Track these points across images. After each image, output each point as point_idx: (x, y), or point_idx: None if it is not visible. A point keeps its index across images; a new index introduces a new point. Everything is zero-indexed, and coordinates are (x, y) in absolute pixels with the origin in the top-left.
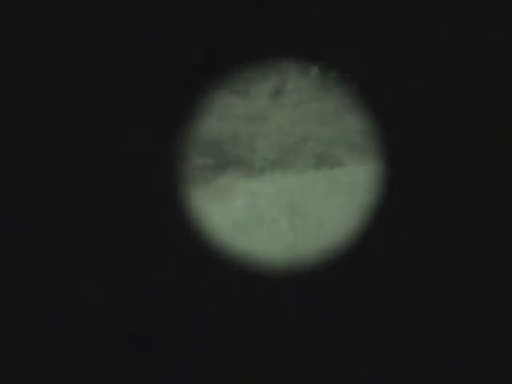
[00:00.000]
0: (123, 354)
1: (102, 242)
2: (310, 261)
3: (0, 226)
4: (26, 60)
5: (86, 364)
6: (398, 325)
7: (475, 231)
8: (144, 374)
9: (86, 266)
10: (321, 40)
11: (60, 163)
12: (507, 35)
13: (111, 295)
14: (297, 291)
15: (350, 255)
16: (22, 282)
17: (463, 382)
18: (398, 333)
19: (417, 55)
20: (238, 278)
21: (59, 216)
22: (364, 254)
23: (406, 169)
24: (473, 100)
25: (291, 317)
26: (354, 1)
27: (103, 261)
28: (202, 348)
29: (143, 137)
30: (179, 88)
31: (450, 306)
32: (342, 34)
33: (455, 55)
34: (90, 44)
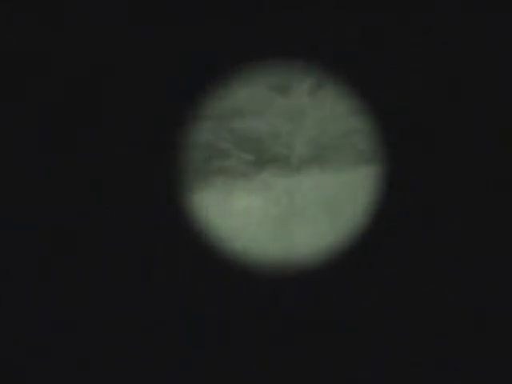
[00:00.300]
0: (123, 354)
1: (102, 242)
2: (309, 261)
3: (0, 226)
4: (26, 60)
5: (86, 364)
6: (398, 325)
7: (475, 231)
8: (144, 373)
9: (86, 265)
10: (321, 40)
11: (60, 163)
12: (507, 35)
13: (111, 295)
14: (297, 291)
15: (349, 255)
16: (22, 282)
17: (463, 381)
18: (398, 333)
19: (417, 55)
20: (238, 277)
21: (59, 216)
22: (364, 253)
23: (406, 169)
24: (473, 100)
25: (291, 317)
26: (353, 1)
27: (103, 261)
28: (201, 348)
29: (143, 137)
30: (179, 88)
31: (450, 306)
32: (342, 34)
33: (455, 55)
34: (89, 44)
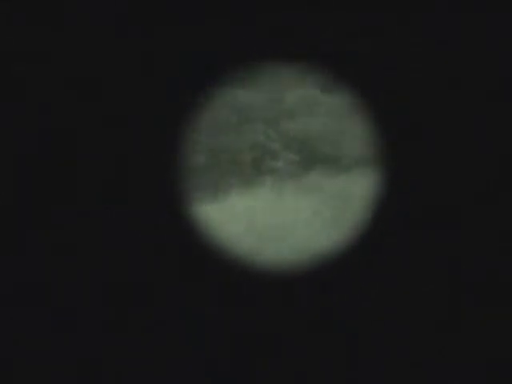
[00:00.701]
0: (123, 354)
1: (102, 242)
2: (310, 261)
3: (0, 226)
4: (26, 60)
5: (86, 364)
6: (398, 325)
7: (475, 231)
8: (144, 373)
9: (86, 265)
10: (321, 40)
11: (60, 163)
12: (507, 35)
13: (111, 295)
14: (297, 291)
15: (350, 255)
16: (22, 282)
17: (463, 381)
18: (398, 333)
19: (417, 55)
20: (239, 278)
21: (59, 216)
22: (364, 253)
23: (406, 169)
24: (473, 100)
25: (292, 317)
26: (354, 1)
27: (103, 261)
28: (202, 348)
29: (144, 137)
30: (179, 88)
31: (450, 306)
32: (342, 34)
33: (455, 55)
34: (89, 44)
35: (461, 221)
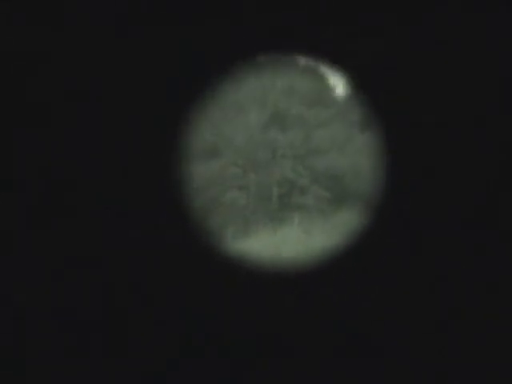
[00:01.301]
0: (123, 354)
1: (102, 242)
2: (310, 261)
3: (0, 226)
4: (26, 60)
5: (86, 364)
6: (398, 325)
7: (475, 231)
8: (144, 373)
9: (86, 265)
10: (321, 40)
11: (60, 163)
12: (507, 35)
13: (111, 295)
14: (297, 291)
15: (350, 255)
16: (22, 282)
17: (463, 381)
18: (398, 333)
19: (417, 55)
20: (239, 278)
21: (59, 216)
22: (364, 254)
23: (406, 169)
24: (473, 100)
25: (291, 317)
26: (353, 1)
27: (103, 261)
28: (202, 348)
29: (143, 137)
30: (179, 88)
31: (450, 306)
32: (342, 34)
33: (455, 55)
34: (89, 44)
35: (461, 220)
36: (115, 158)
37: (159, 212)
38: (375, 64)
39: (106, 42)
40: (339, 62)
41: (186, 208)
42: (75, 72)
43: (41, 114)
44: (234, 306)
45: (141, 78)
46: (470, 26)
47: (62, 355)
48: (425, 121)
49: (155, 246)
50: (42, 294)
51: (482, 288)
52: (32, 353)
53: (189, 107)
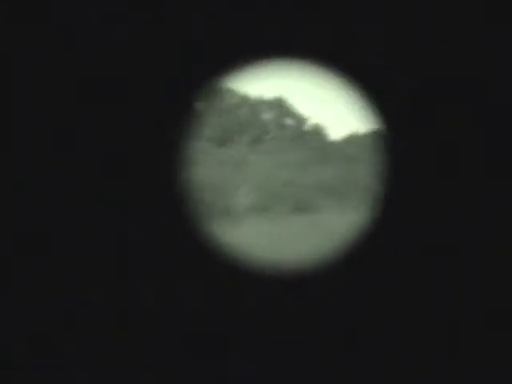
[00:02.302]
0: (123, 354)
1: (102, 242)
2: (310, 261)
3: (0, 226)
4: (26, 60)
5: (86, 364)
6: (398, 325)
7: (475, 231)
8: (144, 373)
9: (86, 266)
10: (321, 40)
11: (59, 163)
12: (507, 35)
13: (111, 295)
14: (297, 291)
15: (350, 255)
16: (23, 282)
17: (463, 381)
18: (398, 333)
19: (417, 55)
20: (239, 278)
21: (59, 216)
22: (364, 254)
23: (406, 169)
24: (473, 100)
25: (291, 317)
26: (353, 1)
27: (104, 261)
28: (202, 348)
29: (143, 136)
30: (179, 88)
31: (450, 306)
32: (342, 34)
33: (455, 55)
34: (89, 44)
35: (461, 220)
36: (115, 158)
37: (159, 212)
38: (375, 64)
39: (106, 42)
40: (339, 62)
41: (185, 208)
42: (75, 72)
43: (40, 114)
44: (234, 306)
45: (141, 78)
46: (470, 25)
47: (62, 355)
48: (425, 121)
49: (155, 246)
50: (42, 294)
51: (483, 288)
52: (32, 352)
53: (189, 107)
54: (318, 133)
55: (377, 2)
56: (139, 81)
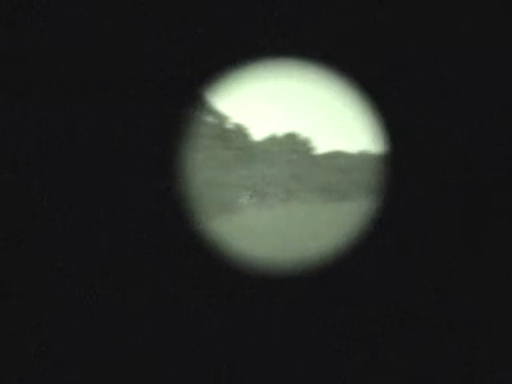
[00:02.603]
0: (123, 354)
1: (102, 243)
2: (310, 261)
3: (0, 227)
4: (26, 60)
5: (85, 363)
6: (399, 325)
7: (475, 231)
8: (144, 373)
9: (86, 266)
10: (321, 40)
11: (60, 163)
12: (507, 35)
13: (111, 295)
14: (297, 291)
15: (350, 256)
16: (23, 282)
17: (463, 381)
18: (398, 332)
19: (417, 55)
20: (239, 278)
21: (59, 216)
22: (364, 254)
23: (406, 169)
24: (473, 99)
25: (291, 317)
26: (353, 1)
27: (103, 261)
28: (202, 348)
29: (143, 137)
30: (179, 88)
31: (450, 306)
32: (342, 35)
33: (455, 56)
34: (89, 44)
35: (461, 220)
36: (115, 158)
37: (159, 212)
38: (375, 64)
39: (106, 42)
40: (339, 62)
41: (185, 208)
42: (75, 72)
43: (40, 114)
44: (234, 306)
45: (141, 78)
46: (470, 25)
47: (62, 356)
48: (425, 120)
49: (155, 247)
50: (42, 294)
51: (483, 288)
52: (31, 352)
53: (189, 108)
54: (240, 132)
55: (377, 3)
56: (139, 81)
